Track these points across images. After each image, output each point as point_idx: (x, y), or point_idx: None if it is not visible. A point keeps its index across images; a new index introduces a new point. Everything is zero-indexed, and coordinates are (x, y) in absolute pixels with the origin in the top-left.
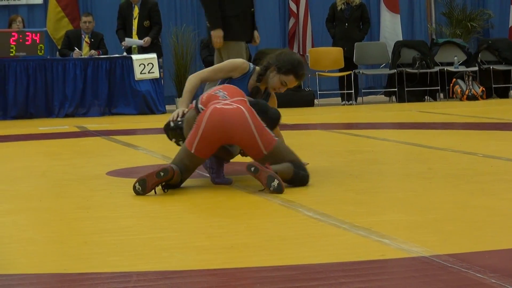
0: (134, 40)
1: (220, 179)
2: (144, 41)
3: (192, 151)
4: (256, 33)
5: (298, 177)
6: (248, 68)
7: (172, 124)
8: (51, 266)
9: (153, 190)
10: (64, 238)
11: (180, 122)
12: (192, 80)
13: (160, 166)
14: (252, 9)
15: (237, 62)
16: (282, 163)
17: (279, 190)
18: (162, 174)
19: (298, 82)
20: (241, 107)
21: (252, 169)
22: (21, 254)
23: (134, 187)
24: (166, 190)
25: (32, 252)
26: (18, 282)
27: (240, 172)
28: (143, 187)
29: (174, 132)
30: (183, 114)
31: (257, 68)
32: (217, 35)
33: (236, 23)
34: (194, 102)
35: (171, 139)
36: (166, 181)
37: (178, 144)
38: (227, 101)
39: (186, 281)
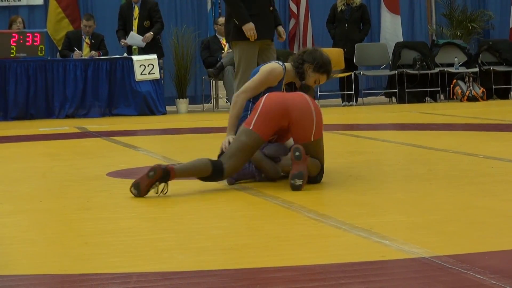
0: (135, 39)
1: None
2: (144, 37)
3: (251, 128)
4: (280, 28)
5: (315, 179)
6: (282, 72)
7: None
8: (51, 267)
9: (162, 189)
10: (65, 239)
11: None
12: (239, 103)
13: (151, 166)
14: (271, 8)
15: (276, 72)
16: (314, 158)
17: (296, 189)
18: (151, 174)
19: (326, 80)
20: (302, 93)
21: (297, 154)
22: (22, 255)
23: (131, 191)
24: (165, 192)
25: (33, 253)
26: (19, 283)
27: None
28: (138, 190)
29: None
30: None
31: (287, 65)
32: (248, 28)
33: (254, 22)
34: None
35: None
36: (159, 179)
37: None
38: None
39: (186, 282)
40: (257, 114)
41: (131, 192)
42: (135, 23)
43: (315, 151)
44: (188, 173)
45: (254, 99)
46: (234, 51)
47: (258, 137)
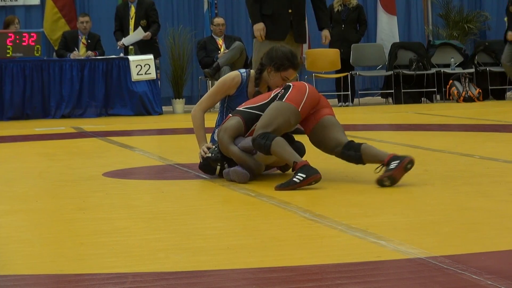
0: (132, 38)
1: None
2: (146, 34)
3: (299, 110)
4: (324, 32)
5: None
6: (241, 80)
7: (211, 155)
8: (47, 267)
9: None
10: (60, 239)
11: (216, 149)
12: (196, 116)
13: (299, 168)
14: (290, 10)
15: (228, 80)
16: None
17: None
18: (409, 166)
19: (295, 72)
20: None
21: (409, 166)
22: (17, 255)
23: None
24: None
25: (29, 253)
26: (14, 283)
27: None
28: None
29: (216, 161)
30: (209, 148)
31: (252, 71)
32: (257, 28)
33: (268, 22)
34: (229, 115)
35: (215, 168)
36: None
37: (223, 168)
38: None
39: (182, 282)
40: (305, 97)
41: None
42: (132, 23)
43: (338, 124)
44: None
45: (229, 109)
46: (254, 48)
47: (300, 120)
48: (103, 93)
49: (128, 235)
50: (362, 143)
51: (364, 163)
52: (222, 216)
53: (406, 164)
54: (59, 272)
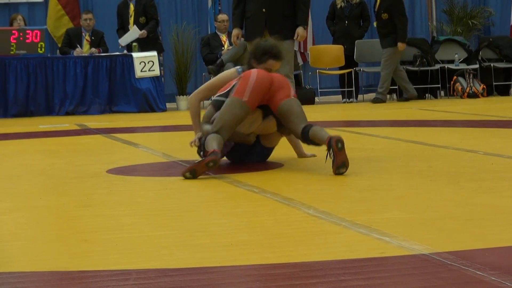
0: (128, 37)
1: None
2: (142, 32)
3: (244, 100)
4: (297, 29)
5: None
6: (235, 76)
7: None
8: (51, 264)
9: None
10: (64, 236)
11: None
12: (193, 104)
13: (208, 155)
14: (264, 10)
15: (226, 76)
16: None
17: (341, 173)
18: (211, 164)
19: (279, 62)
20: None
21: (339, 145)
22: (21, 252)
23: (184, 175)
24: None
25: (32, 250)
26: (18, 280)
27: (240, 170)
28: (193, 175)
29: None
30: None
31: (245, 67)
32: (232, 34)
33: (248, 24)
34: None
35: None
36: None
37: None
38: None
39: (186, 278)
40: (251, 87)
41: (185, 176)
42: (131, 20)
43: (298, 105)
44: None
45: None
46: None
47: (249, 109)
48: (107, 90)
49: (132, 232)
50: (310, 130)
51: (320, 145)
52: (226, 213)
53: (336, 145)
54: (62, 269)
